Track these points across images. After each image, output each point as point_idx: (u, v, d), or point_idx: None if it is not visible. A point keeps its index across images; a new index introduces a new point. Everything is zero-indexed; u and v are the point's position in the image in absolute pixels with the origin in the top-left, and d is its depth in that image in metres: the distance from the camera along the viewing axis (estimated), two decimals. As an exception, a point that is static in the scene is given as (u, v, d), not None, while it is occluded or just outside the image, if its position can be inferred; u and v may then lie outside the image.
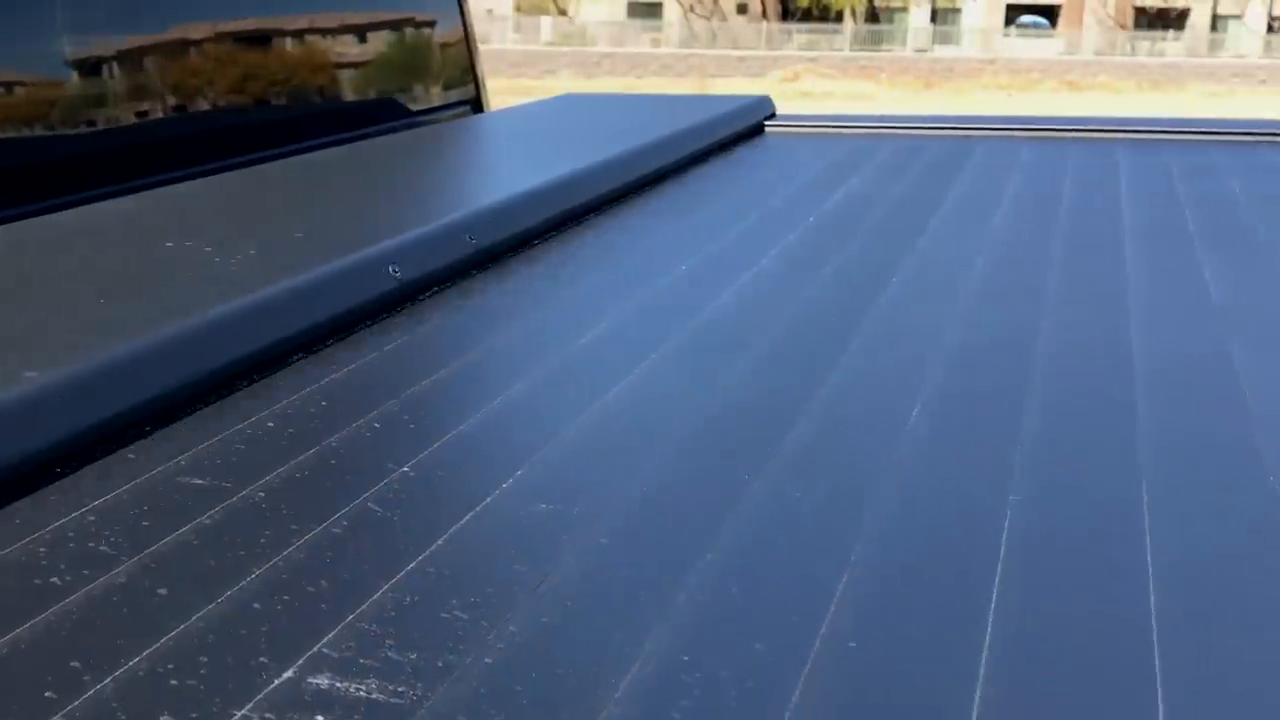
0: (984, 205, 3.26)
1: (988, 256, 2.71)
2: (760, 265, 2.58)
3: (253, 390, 1.75)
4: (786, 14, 47.71)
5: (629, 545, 1.28)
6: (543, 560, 1.24)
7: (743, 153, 4.24)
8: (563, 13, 50.44)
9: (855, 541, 1.28)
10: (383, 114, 4.19)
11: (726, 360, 1.94)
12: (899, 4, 49.40)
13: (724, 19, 48.07)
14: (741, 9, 49.52)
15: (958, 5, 49.46)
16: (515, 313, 2.23)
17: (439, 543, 1.27)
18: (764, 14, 47.50)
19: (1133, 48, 44.39)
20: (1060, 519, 1.37)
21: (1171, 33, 46.16)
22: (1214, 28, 48.96)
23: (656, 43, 45.02)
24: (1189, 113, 29.89)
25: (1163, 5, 47.20)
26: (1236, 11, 48.57)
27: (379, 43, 4.33)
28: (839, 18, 47.27)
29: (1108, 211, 3.23)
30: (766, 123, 4.72)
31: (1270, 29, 47.72)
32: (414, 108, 4.39)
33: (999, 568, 1.23)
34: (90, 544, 1.27)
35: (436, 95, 4.58)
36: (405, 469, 1.47)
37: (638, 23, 47.81)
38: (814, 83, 36.63)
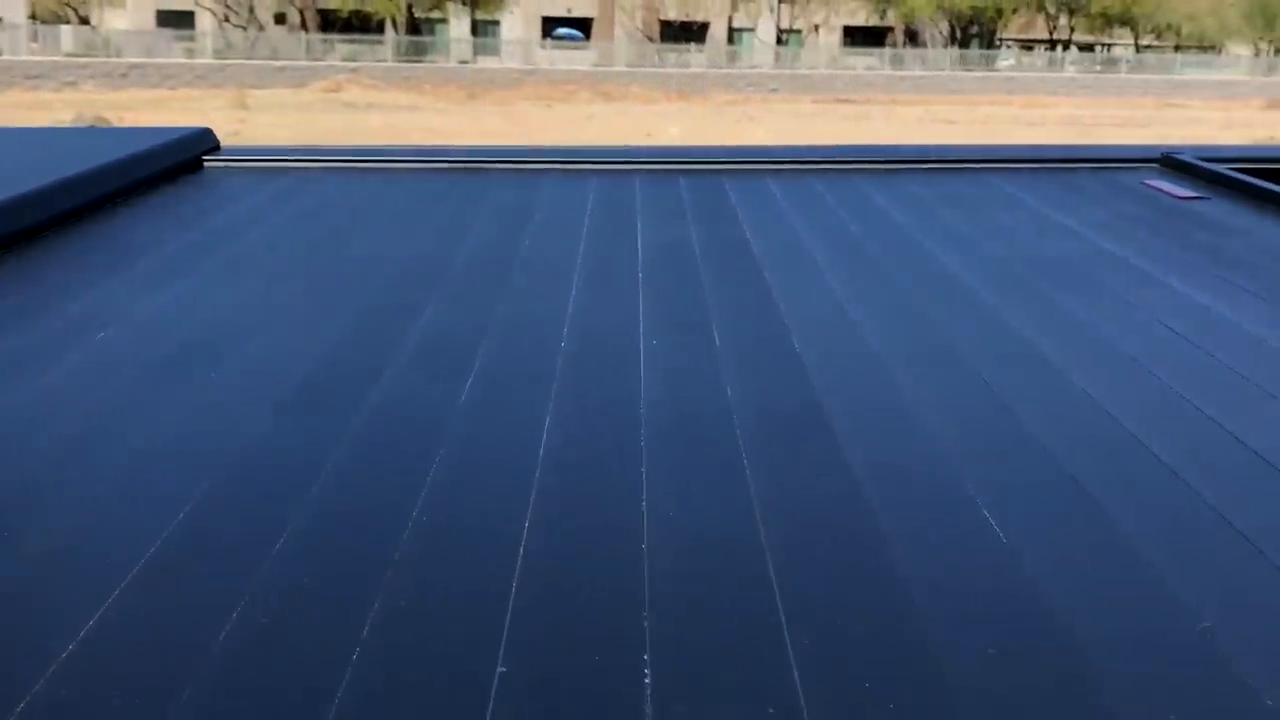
0: (447, 254, 3.07)
1: (439, 300, 2.61)
2: (158, 335, 2.36)
3: None
4: (327, 24, 46.94)
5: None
6: None
7: (171, 194, 3.74)
8: (85, 21, 47.19)
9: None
10: None
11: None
12: (439, 15, 49.82)
13: (261, 28, 46.65)
14: (280, 19, 48.24)
15: (496, 17, 50.54)
16: None
17: None
18: (303, 24, 46.51)
19: (660, 59, 46.99)
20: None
21: (694, 45, 49.23)
22: (731, 40, 52.74)
23: (190, 53, 42.97)
24: (718, 118, 32.05)
25: (685, 19, 50.25)
26: (750, 25, 52.54)
27: None
28: (380, 28, 47.04)
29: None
30: (206, 157, 4.23)
31: (780, 41, 51.98)
32: None
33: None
34: None
35: None
36: None
37: (169, 32, 45.46)
38: (358, 94, 36.25)
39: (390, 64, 41.92)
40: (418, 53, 44.91)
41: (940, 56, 50.77)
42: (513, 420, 1.98)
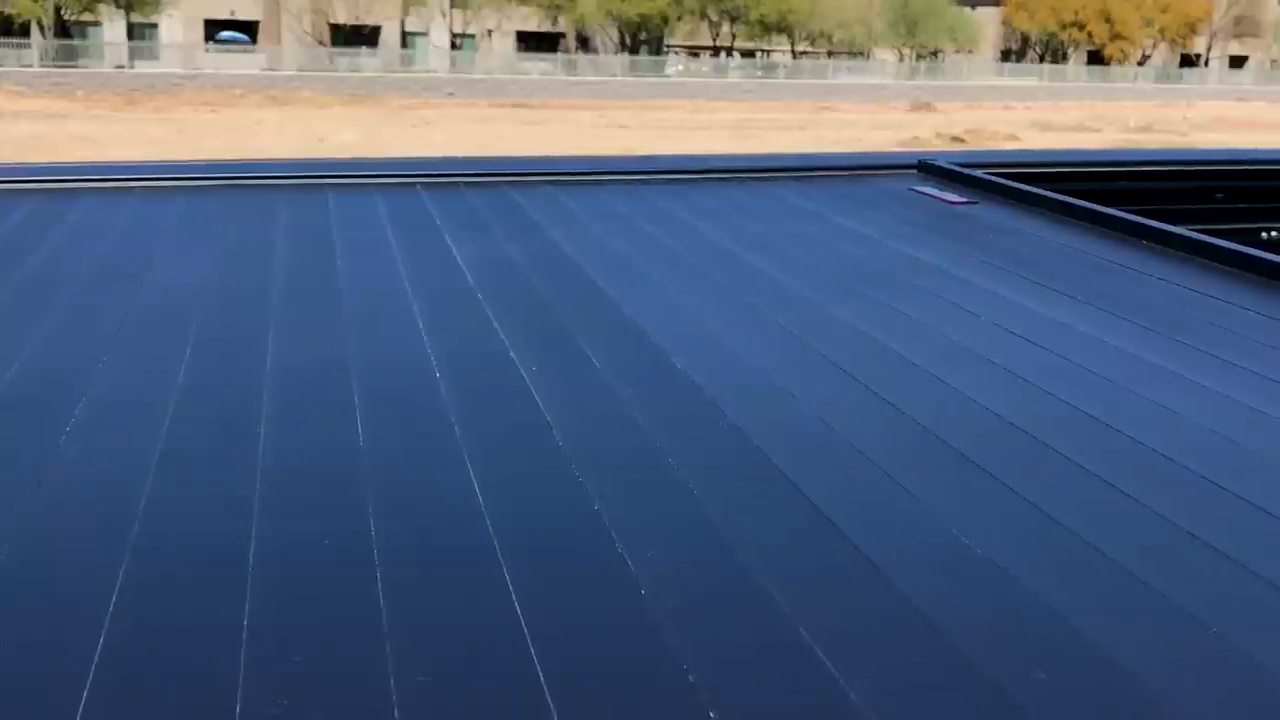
0: (260, 280, 2.84)
1: (278, 332, 2.43)
2: None
3: None
4: (-37, 26, 43.43)
5: None
6: None
7: None
8: None
9: None
10: None
11: None
12: (90, 18, 46.97)
13: (-114, 31, 42.71)
14: (-92, 20, 44.31)
15: (154, 20, 48.13)
16: None
17: None
18: (-65, 26, 42.89)
19: (332, 63, 46.00)
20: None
21: (366, 49, 48.46)
22: (404, 44, 52.23)
23: None
24: (393, 122, 31.64)
25: (356, 23, 49.39)
26: (422, 29, 52.20)
27: None
28: (25, 31, 43.90)
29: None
30: None
31: (454, 46, 51.88)
32: None
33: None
34: None
35: None
36: None
37: None
38: (1, 101, 33.78)
39: (37, 69, 39.28)
40: (68, 57, 42.19)
41: (612, 62, 51.97)
42: (431, 465, 1.84)
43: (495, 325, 2.57)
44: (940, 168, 4.66)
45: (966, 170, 4.56)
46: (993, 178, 4.42)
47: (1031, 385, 2.30)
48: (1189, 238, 3.53)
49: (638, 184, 4.36)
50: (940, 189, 4.41)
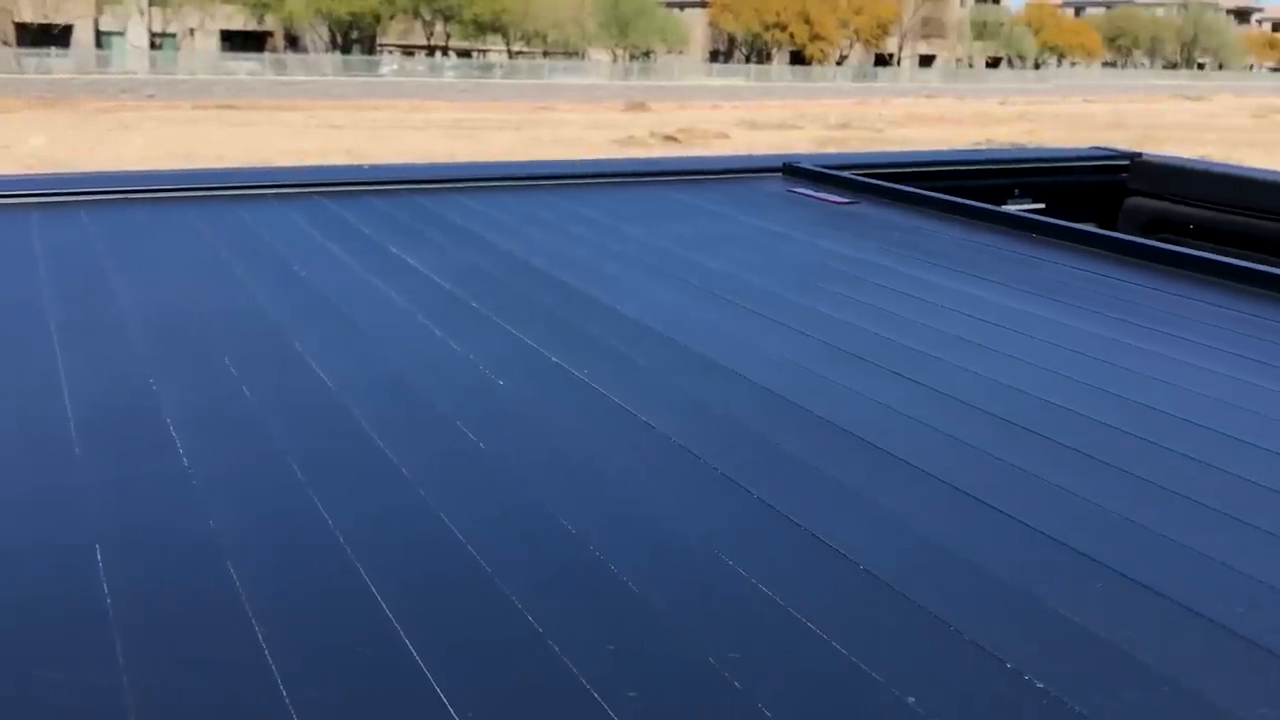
0: (236, 296, 2.65)
1: (306, 347, 2.28)
2: None
3: None
4: None
5: None
6: None
7: None
8: None
9: None
10: None
11: None
12: None
13: None
14: None
15: None
16: None
17: None
18: None
19: (19, 64, 43.29)
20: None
21: (56, 50, 45.83)
22: (100, 44, 49.64)
23: None
24: (89, 126, 29.99)
25: (45, 21, 46.66)
26: (119, 28, 49.74)
27: None
28: None
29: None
30: None
31: (154, 45, 49.67)
32: None
33: None
34: None
35: None
36: None
37: None
38: None
39: None
40: None
41: (323, 62, 50.87)
42: (567, 469, 1.74)
43: (512, 331, 2.45)
44: (806, 170, 4.82)
45: (832, 171, 4.71)
46: (862, 178, 4.55)
47: (1040, 368, 2.35)
48: (1075, 229, 3.68)
49: (536, 189, 4.32)
50: (815, 190, 4.50)
